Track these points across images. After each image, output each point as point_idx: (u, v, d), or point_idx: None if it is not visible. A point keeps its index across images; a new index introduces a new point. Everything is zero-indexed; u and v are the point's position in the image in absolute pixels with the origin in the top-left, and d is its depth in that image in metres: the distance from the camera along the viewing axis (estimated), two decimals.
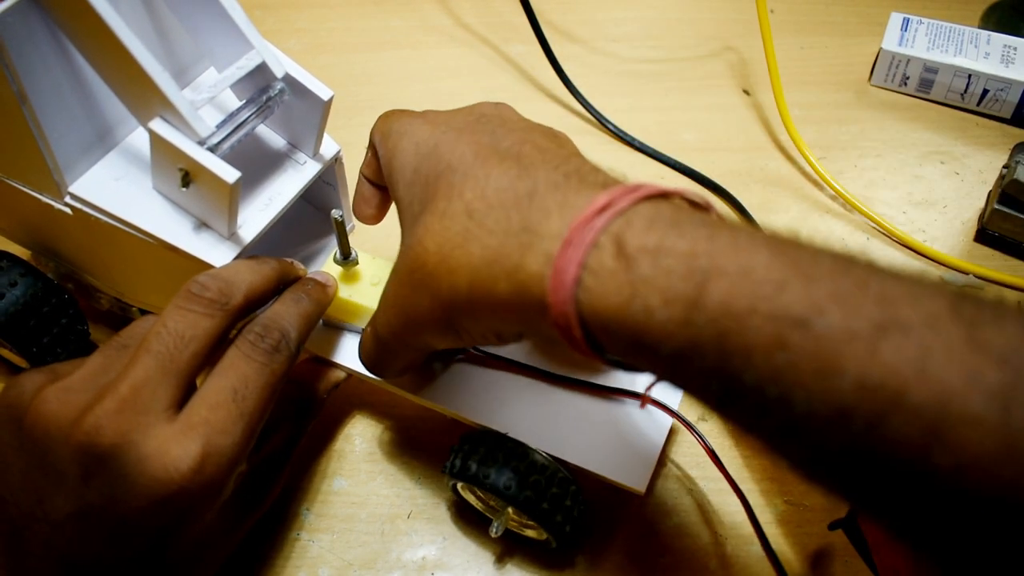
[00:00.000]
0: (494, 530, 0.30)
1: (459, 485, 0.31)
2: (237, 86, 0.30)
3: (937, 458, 0.15)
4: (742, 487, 0.30)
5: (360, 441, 0.35)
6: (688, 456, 0.34)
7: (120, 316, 0.37)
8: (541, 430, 0.30)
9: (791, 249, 0.18)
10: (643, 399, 0.31)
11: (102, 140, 0.30)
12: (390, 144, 0.27)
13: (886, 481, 0.16)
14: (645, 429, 0.31)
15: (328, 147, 0.33)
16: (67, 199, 0.30)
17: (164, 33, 0.30)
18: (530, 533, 0.31)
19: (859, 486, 0.17)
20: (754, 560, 0.32)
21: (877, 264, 0.18)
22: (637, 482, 0.30)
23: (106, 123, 0.30)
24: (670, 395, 0.32)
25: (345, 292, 0.32)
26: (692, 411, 0.36)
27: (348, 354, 0.33)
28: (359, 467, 0.34)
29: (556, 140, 0.25)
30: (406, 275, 0.25)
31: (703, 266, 0.18)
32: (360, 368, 0.33)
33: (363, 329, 0.30)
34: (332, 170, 0.34)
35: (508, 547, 0.32)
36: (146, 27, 0.30)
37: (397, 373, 0.30)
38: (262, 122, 0.29)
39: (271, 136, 0.33)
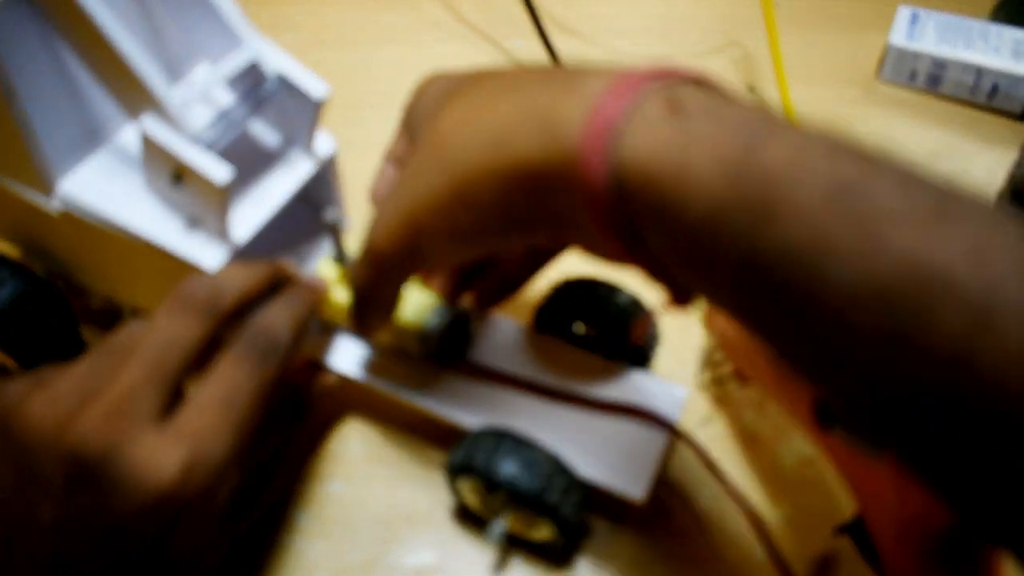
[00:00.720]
0: (494, 532, 0.29)
1: (461, 484, 0.30)
2: (230, 82, 0.29)
3: (983, 356, 0.14)
4: (747, 490, 0.30)
5: (357, 444, 0.35)
6: (693, 459, 0.34)
7: (111, 315, 0.37)
8: (539, 436, 0.30)
9: (847, 144, 0.18)
10: (642, 415, 0.31)
11: (92, 138, 0.30)
12: (417, 90, 0.27)
13: (921, 383, 0.15)
14: (645, 438, 0.31)
15: (324, 144, 0.32)
16: (55, 198, 0.29)
17: (155, 27, 0.30)
18: (535, 535, 0.31)
19: (887, 386, 0.16)
20: (759, 565, 0.31)
21: (936, 175, 0.17)
22: (637, 492, 0.29)
23: (96, 120, 0.30)
24: (672, 401, 0.31)
25: (340, 294, 0.31)
26: (695, 415, 0.35)
27: (342, 357, 0.33)
28: (356, 471, 0.34)
29: None
30: (420, 153, 0.23)
31: (759, 130, 0.18)
32: (355, 373, 0.32)
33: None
34: (328, 168, 0.33)
35: (507, 552, 0.32)
36: (137, 21, 0.29)
37: (383, 314, 0.28)
38: (256, 119, 0.29)
39: (265, 133, 0.32)
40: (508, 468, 0.28)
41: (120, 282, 0.34)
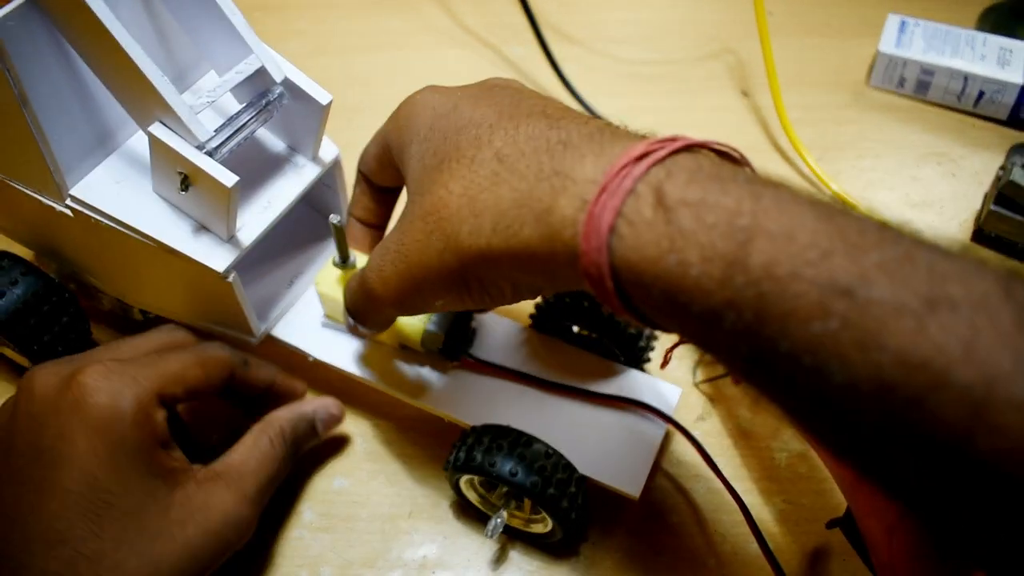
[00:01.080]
0: (491, 529, 0.30)
1: (461, 480, 0.31)
2: (237, 90, 0.30)
3: (980, 441, 0.15)
4: (740, 486, 0.30)
5: (361, 440, 0.35)
6: (687, 455, 0.34)
7: (121, 316, 0.38)
8: (537, 433, 0.30)
9: (836, 215, 0.17)
10: (639, 407, 0.32)
11: (103, 143, 0.31)
12: (402, 111, 0.27)
13: (922, 461, 0.16)
14: (640, 435, 0.31)
15: (327, 150, 0.33)
16: (68, 201, 0.30)
17: (165, 36, 0.31)
18: (535, 528, 0.31)
19: (891, 464, 0.16)
20: (752, 558, 0.32)
21: (923, 238, 0.17)
22: (632, 487, 0.30)
23: (107, 126, 0.30)
24: (666, 401, 0.32)
25: (342, 295, 0.32)
26: (691, 412, 0.36)
27: (347, 357, 0.33)
28: (360, 466, 0.35)
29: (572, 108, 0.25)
30: (420, 219, 0.24)
31: (746, 225, 0.18)
32: (358, 371, 0.33)
33: (351, 277, 0.29)
34: (332, 173, 0.34)
35: (508, 546, 0.32)
36: (147, 30, 0.30)
37: (378, 331, 0.30)
38: (262, 126, 0.30)
39: (271, 139, 0.33)
40: (508, 464, 0.28)
41: (129, 284, 0.35)
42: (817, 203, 0.18)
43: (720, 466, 0.30)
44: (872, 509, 0.26)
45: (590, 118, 0.23)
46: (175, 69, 0.32)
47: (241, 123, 0.29)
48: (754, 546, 0.32)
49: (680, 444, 0.35)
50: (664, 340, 0.37)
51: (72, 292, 0.35)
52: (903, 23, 0.50)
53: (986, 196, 0.43)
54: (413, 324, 0.32)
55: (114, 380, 0.27)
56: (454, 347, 0.32)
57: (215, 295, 0.31)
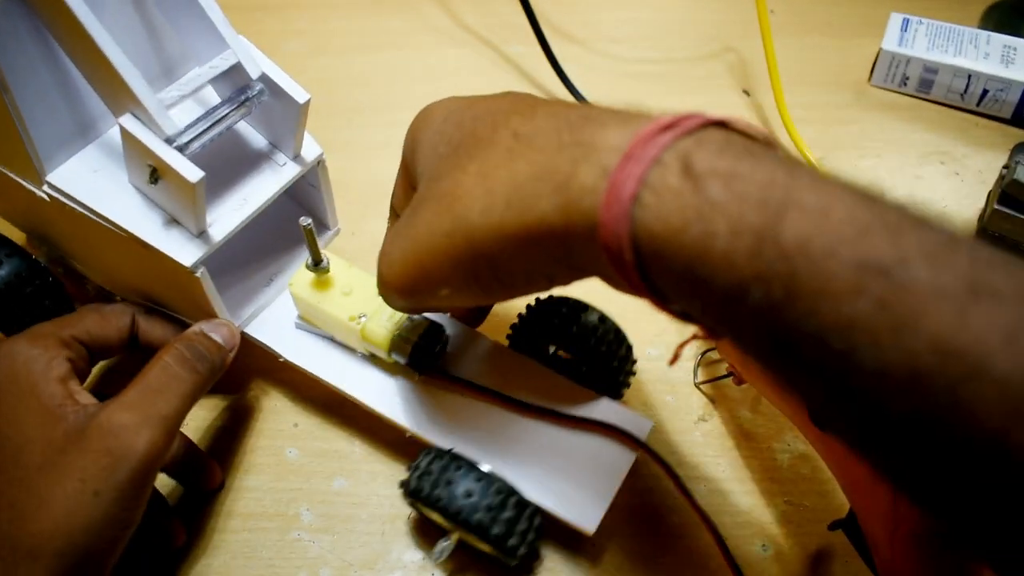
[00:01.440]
0: (438, 552, 0.29)
1: (416, 504, 0.30)
2: (217, 85, 0.30)
3: (1018, 436, 0.14)
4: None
5: (360, 442, 0.35)
6: (688, 456, 0.34)
7: (105, 301, 0.37)
8: (498, 458, 0.30)
9: (875, 197, 0.17)
10: (610, 431, 0.30)
11: (84, 133, 0.31)
12: (417, 117, 0.26)
13: (952, 455, 0.15)
14: (607, 464, 0.30)
15: (310, 150, 0.33)
16: (45, 187, 0.30)
17: (154, 29, 0.31)
18: (485, 548, 0.30)
19: (918, 458, 0.16)
20: (754, 559, 0.32)
21: (961, 231, 0.16)
22: (587, 521, 0.29)
23: (88, 116, 0.31)
24: (639, 427, 0.31)
25: (315, 299, 0.32)
26: (692, 413, 0.36)
27: (317, 360, 0.33)
28: (359, 468, 0.34)
29: None
30: (431, 201, 0.23)
31: (780, 198, 0.17)
32: (324, 374, 0.33)
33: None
34: (315, 172, 0.34)
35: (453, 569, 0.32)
36: (135, 23, 0.30)
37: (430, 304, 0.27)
38: (237, 122, 0.30)
39: (254, 136, 0.33)
40: (455, 500, 0.27)
41: (107, 271, 0.35)
42: (854, 184, 0.17)
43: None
44: (875, 510, 0.26)
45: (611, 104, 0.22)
46: (163, 63, 0.32)
47: (216, 119, 0.29)
48: (756, 547, 0.32)
49: (681, 444, 0.35)
50: (664, 341, 0.37)
51: (57, 277, 0.35)
52: (906, 21, 0.50)
53: (989, 195, 0.43)
54: (382, 331, 0.31)
55: (7, 341, 0.29)
56: (421, 359, 0.31)
57: (186, 288, 0.31)
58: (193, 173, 0.27)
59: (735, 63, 0.52)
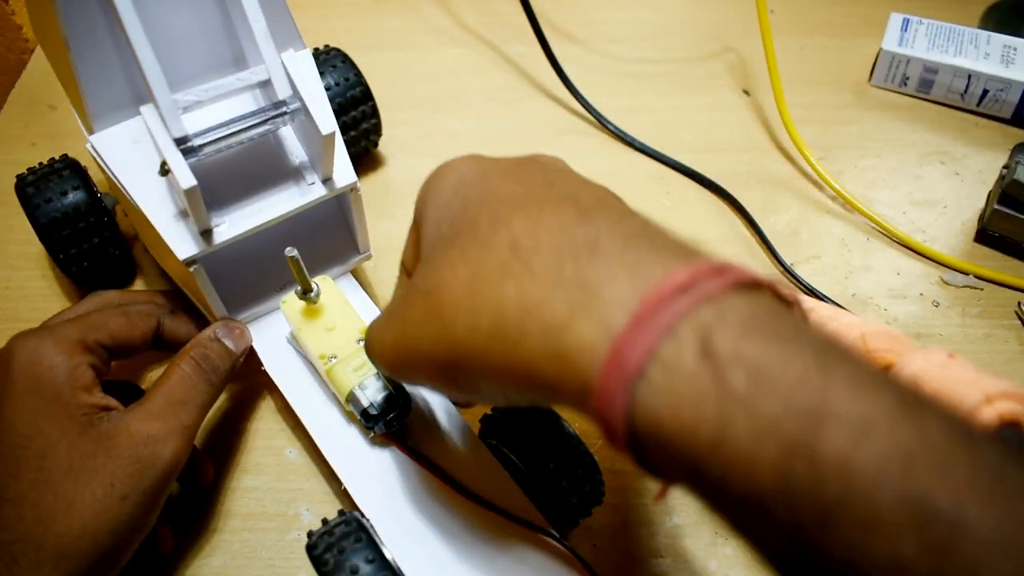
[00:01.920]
0: None
1: None
2: (257, 95, 0.31)
3: None
4: None
5: None
6: None
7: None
8: (414, 544, 0.28)
9: (916, 403, 0.15)
10: (561, 544, 0.27)
11: (137, 103, 0.31)
12: (433, 174, 0.24)
13: None
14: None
15: (343, 175, 0.32)
16: (87, 145, 0.32)
17: (230, 27, 0.31)
18: None
19: None
20: (755, 561, 0.32)
21: (997, 441, 0.15)
22: None
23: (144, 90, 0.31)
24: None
25: (299, 324, 0.31)
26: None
27: (289, 377, 0.33)
28: None
29: (613, 194, 0.22)
30: (421, 297, 0.21)
31: (814, 405, 0.15)
32: (291, 396, 0.32)
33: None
34: (347, 199, 0.34)
35: None
36: (215, 19, 0.31)
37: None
38: (259, 137, 0.30)
39: (297, 149, 0.33)
40: (339, 572, 0.25)
41: (145, 234, 0.37)
42: (890, 383, 0.15)
43: None
44: None
45: (625, 214, 0.20)
46: (233, 54, 0.32)
47: (236, 129, 0.29)
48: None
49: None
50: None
51: (112, 217, 0.37)
52: (906, 21, 0.50)
53: (990, 195, 0.43)
54: (346, 379, 0.30)
55: (31, 338, 0.29)
56: (374, 421, 0.29)
57: (187, 274, 0.31)
58: (187, 180, 0.27)
59: (735, 63, 0.52)
